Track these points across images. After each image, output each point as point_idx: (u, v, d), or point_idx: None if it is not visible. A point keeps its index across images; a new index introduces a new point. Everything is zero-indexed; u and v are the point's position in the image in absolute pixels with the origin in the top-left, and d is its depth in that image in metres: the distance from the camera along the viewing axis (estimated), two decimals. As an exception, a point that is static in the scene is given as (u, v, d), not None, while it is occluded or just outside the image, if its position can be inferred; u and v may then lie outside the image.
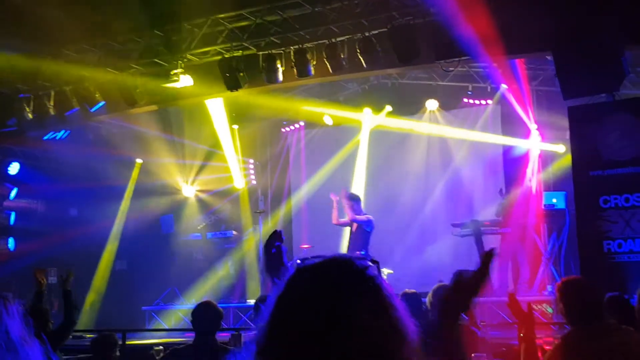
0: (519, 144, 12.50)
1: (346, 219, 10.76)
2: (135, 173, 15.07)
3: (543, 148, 12.09)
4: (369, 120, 14.08)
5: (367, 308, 1.31)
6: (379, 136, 14.14)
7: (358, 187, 13.94)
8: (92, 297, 14.15)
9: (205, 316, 5.34)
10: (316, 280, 1.35)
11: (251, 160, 15.53)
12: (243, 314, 12.38)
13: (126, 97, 10.40)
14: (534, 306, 9.88)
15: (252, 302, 12.65)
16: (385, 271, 11.82)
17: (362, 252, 10.29)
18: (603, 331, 3.97)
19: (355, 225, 10.60)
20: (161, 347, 7.47)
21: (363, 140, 14.23)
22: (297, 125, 15.12)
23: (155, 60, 10.40)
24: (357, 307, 1.30)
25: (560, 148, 11.65)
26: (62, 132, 13.07)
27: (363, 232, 10.53)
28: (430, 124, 13.77)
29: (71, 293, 6.24)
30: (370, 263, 1.39)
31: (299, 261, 1.43)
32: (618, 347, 3.85)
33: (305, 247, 12.97)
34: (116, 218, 14.52)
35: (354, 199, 10.82)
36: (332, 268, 1.37)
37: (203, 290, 13.71)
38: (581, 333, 4.03)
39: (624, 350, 3.83)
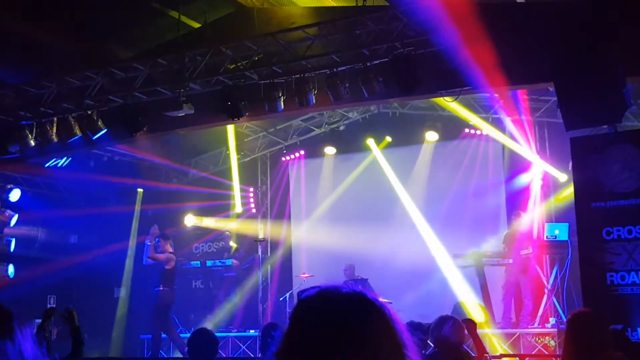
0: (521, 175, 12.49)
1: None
2: (138, 202, 15.09)
3: (546, 173, 12.08)
4: (375, 150, 14.10)
5: (373, 329, 1.38)
6: (377, 164, 14.14)
7: (363, 210, 13.97)
8: (90, 325, 14.04)
9: (200, 344, 5.29)
10: (321, 309, 1.42)
11: (251, 189, 15.52)
12: (242, 343, 12.27)
13: (128, 125, 10.41)
14: (537, 339, 9.82)
15: (252, 332, 12.55)
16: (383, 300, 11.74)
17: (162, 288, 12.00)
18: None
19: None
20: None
21: (373, 168, 14.22)
22: (297, 154, 15.13)
23: (158, 88, 10.44)
24: (365, 330, 1.37)
25: (563, 177, 11.64)
26: (64, 159, 13.06)
27: (163, 269, 12.14)
28: (430, 155, 13.77)
29: (80, 330, 6.28)
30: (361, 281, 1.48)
31: (299, 292, 1.53)
32: None
33: (305, 276, 12.90)
34: (119, 245, 14.48)
35: (163, 237, 12.37)
36: (332, 297, 1.43)
37: (202, 319, 13.64)
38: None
39: None
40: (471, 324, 5.63)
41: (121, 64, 10.60)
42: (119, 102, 10.62)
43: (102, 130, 10.43)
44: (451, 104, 10.51)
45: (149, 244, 12.11)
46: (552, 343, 9.83)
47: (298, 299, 1.48)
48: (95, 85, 10.57)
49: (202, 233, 15.27)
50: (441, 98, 10.08)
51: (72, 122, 10.45)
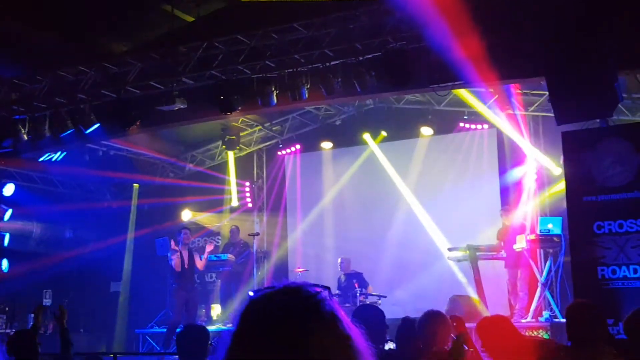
0: (515, 170, 12.50)
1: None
2: (135, 197, 15.12)
3: (540, 167, 12.08)
4: (372, 145, 14.10)
5: (322, 335, 1.29)
6: (373, 159, 14.14)
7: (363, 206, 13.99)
8: (87, 319, 14.10)
9: (190, 340, 5.15)
10: (268, 311, 1.33)
11: (247, 183, 15.53)
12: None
13: (121, 120, 10.42)
14: (530, 332, 9.82)
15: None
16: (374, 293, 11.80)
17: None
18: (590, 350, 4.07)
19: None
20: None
21: (370, 163, 14.21)
22: (293, 149, 15.13)
23: (151, 82, 10.43)
24: (312, 336, 1.29)
25: (557, 170, 11.62)
26: (59, 153, 13.07)
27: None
28: (426, 150, 13.77)
29: (68, 331, 6.30)
30: (321, 288, 1.38)
31: (251, 293, 1.43)
32: None
33: (300, 271, 12.93)
34: (115, 239, 14.49)
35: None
36: (283, 296, 1.36)
37: (199, 313, 13.66)
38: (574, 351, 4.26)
39: None
40: (459, 321, 5.63)
41: (114, 59, 10.59)
42: (112, 96, 10.61)
43: (94, 124, 10.43)
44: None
45: (175, 250, 12.06)
46: (546, 336, 9.83)
47: (248, 300, 1.40)
48: (88, 80, 10.57)
49: (198, 228, 15.28)
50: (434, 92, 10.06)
51: (65, 117, 10.45)
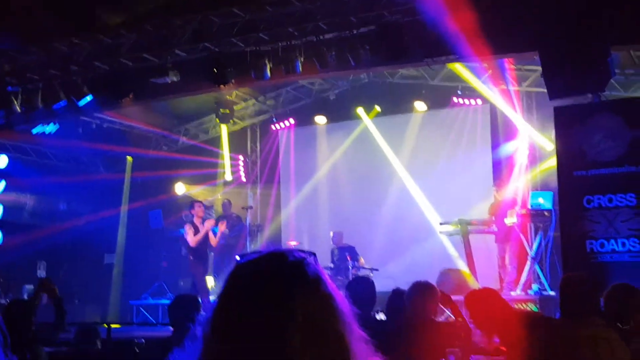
0: (508, 144, 12.57)
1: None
2: (128, 169, 15.13)
3: (533, 142, 12.14)
4: (365, 119, 14.13)
5: (306, 296, 1.32)
6: (367, 133, 14.18)
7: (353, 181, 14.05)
8: (82, 291, 14.18)
9: (183, 310, 5.11)
10: (254, 274, 1.36)
11: (241, 157, 15.55)
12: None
13: (114, 92, 10.40)
14: (519, 305, 9.95)
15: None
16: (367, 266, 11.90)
17: None
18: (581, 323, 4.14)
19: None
20: (143, 341, 7.47)
21: (364, 137, 14.24)
22: (287, 123, 15.14)
23: (144, 55, 10.40)
24: (296, 296, 1.32)
25: (549, 145, 11.67)
26: (52, 125, 13.04)
27: None
28: (420, 124, 13.81)
29: (61, 299, 6.29)
30: (307, 254, 1.41)
31: (238, 257, 1.45)
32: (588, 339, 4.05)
33: (294, 244, 13.01)
34: (109, 212, 14.51)
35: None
36: (270, 261, 1.39)
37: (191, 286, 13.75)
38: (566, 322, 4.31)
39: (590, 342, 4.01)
40: (444, 296, 5.72)
41: (108, 30, 10.53)
42: (105, 68, 10.58)
43: (87, 96, 10.41)
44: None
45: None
46: (535, 309, 9.95)
47: (235, 264, 1.42)
48: (82, 52, 10.52)
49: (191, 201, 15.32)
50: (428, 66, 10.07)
51: (58, 89, 10.43)
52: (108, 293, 14.45)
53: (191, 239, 11.44)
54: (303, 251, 1.42)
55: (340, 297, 1.38)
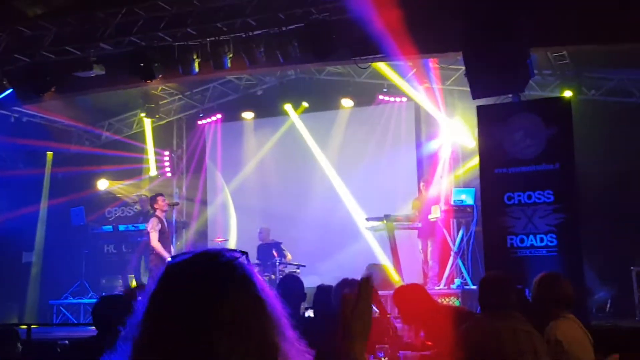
0: (432, 142, 12.86)
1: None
2: (48, 165, 14.70)
3: (454, 143, 12.44)
4: (293, 115, 14.18)
5: (236, 297, 1.33)
6: (294, 129, 14.24)
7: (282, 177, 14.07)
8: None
9: (108, 311, 4.92)
10: (185, 275, 1.37)
11: (166, 152, 15.35)
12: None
13: (35, 85, 10.10)
14: (443, 299, 10.21)
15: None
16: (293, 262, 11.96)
17: None
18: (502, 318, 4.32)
19: None
20: (67, 342, 7.30)
21: (291, 133, 14.27)
22: (214, 118, 15.03)
23: (67, 48, 10.14)
24: (227, 297, 1.32)
25: (471, 143, 11.96)
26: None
27: None
28: (346, 121, 13.96)
29: None
30: (239, 253, 1.42)
31: (169, 258, 1.46)
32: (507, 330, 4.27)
33: (220, 240, 12.94)
34: (27, 209, 14.06)
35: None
36: (200, 261, 1.39)
37: (114, 284, 13.52)
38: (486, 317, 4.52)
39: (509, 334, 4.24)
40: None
41: (28, 22, 10.21)
42: (25, 61, 10.26)
43: (7, 89, 10.08)
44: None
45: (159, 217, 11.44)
46: (457, 303, 10.22)
47: (166, 264, 1.42)
48: (1, 43, 10.17)
49: (115, 197, 15.05)
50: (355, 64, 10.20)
51: (-24, 81, 10.07)
52: (26, 292, 14.01)
53: (156, 236, 11.09)
54: (235, 250, 1.42)
55: (272, 297, 1.39)
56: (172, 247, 12.60)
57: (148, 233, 13.30)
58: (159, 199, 11.64)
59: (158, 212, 11.41)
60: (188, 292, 1.33)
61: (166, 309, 1.33)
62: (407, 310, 5.50)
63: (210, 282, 1.34)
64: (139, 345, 1.33)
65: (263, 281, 1.40)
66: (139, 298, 1.40)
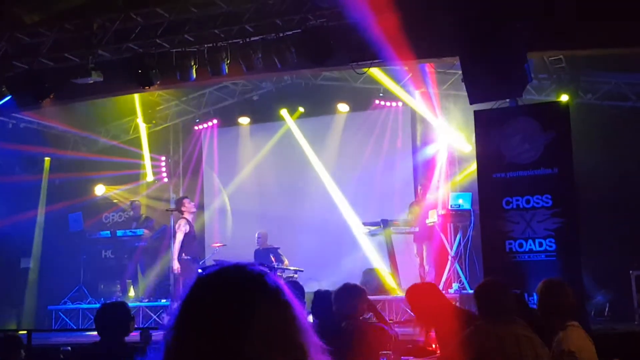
0: (428, 146, 12.89)
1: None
2: (46, 171, 14.69)
3: (450, 148, 12.47)
4: (289, 120, 14.21)
5: (268, 308, 1.39)
6: (291, 134, 14.27)
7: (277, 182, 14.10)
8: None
9: (111, 318, 4.95)
10: (219, 285, 1.42)
11: (163, 158, 15.35)
12: (153, 313, 12.24)
13: (34, 92, 10.10)
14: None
15: (163, 301, 12.54)
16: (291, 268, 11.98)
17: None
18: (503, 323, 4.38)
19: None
20: (69, 349, 7.31)
21: (287, 138, 14.30)
22: (210, 124, 15.05)
23: (66, 55, 10.15)
24: (259, 308, 1.38)
25: (468, 147, 11.99)
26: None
27: None
28: (342, 126, 13.99)
29: None
30: (267, 268, 1.49)
31: (200, 270, 1.51)
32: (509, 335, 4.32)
33: (217, 246, 12.94)
34: (25, 215, 14.04)
35: None
36: (232, 272, 1.45)
37: (113, 289, 13.51)
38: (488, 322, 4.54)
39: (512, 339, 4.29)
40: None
41: (26, 29, 10.22)
42: (24, 68, 10.26)
43: (6, 96, 10.08)
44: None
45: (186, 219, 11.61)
46: (455, 307, 10.25)
47: (197, 276, 1.48)
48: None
49: (112, 203, 15.04)
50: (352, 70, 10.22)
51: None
52: (24, 298, 13.98)
53: (181, 237, 11.19)
54: (262, 264, 1.49)
55: (298, 306, 1.45)
56: (171, 253, 12.61)
57: (145, 239, 13.37)
58: (185, 201, 11.74)
59: (185, 214, 11.47)
60: (221, 300, 1.38)
61: (200, 319, 1.38)
62: (421, 308, 5.50)
63: (242, 291, 1.40)
64: (171, 355, 1.38)
65: (291, 292, 1.46)
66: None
